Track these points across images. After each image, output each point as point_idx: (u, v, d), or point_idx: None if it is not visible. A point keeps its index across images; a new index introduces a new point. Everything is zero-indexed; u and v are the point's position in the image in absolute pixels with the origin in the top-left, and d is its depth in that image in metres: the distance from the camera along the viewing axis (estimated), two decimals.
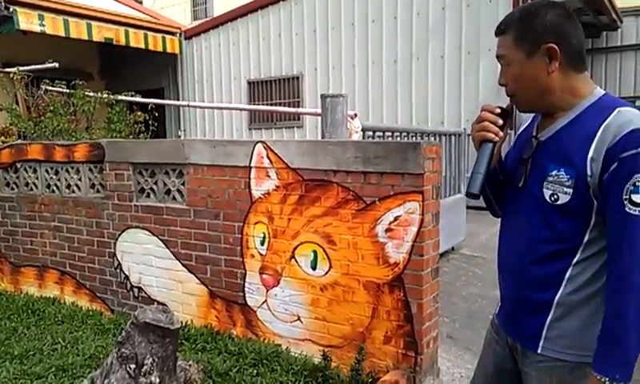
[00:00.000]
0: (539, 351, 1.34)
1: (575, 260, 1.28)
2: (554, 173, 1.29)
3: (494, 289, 4.12)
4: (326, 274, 2.99)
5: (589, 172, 1.23)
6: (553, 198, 1.28)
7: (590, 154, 1.22)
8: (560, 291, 1.30)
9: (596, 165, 1.22)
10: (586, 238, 1.27)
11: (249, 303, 3.31)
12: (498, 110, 1.38)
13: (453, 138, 5.54)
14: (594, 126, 1.24)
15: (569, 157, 1.27)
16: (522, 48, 1.32)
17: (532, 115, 1.47)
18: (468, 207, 5.77)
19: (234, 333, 3.37)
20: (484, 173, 1.34)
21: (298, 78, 10.00)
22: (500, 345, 1.51)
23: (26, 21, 8.43)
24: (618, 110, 1.24)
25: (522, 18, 1.33)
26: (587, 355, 1.26)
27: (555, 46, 1.28)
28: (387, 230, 2.78)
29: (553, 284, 1.31)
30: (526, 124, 1.49)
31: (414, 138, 4.78)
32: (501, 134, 1.38)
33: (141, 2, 16.33)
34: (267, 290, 3.22)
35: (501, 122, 1.37)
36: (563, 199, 1.27)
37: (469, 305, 4.11)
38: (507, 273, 1.46)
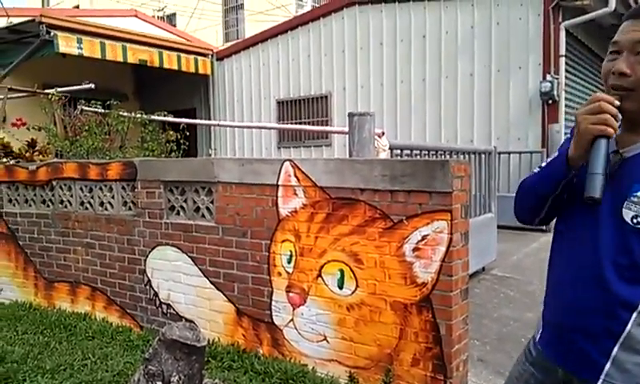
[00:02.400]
0: None
1: None
2: (639, 193, 1.18)
3: (527, 311, 4.01)
4: (353, 293, 2.96)
5: None
6: (635, 221, 1.17)
7: None
8: (631, 321, 1.19)
9: None
10: None
11: (275, 322, 3.30)
12: (618, 103, 1.18)
13: (483, 156, 5.45)
14: None
15: None
16: None
17: None
18: (499, 226, 5.64)
19: (261, 351, 3.36)
20: (603, 173, 1.16)
21: (326, 97, 10.08)
22: (537, 378, 1.39)
23: (65, 44, 8.80)
24: None
25: None
26: None
27: None
28: (415, 250, 2.74)
29: (624, 312, 1.20)
30: None
31: (442, 157, 4.73)
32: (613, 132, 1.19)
33: (174, 25, 16.81)
34: (294, 309, 3.20)
35: (621, 117, 1.19)
36: None
37: (500, 327, 3.99)
38: (566, 296, 1.31)
